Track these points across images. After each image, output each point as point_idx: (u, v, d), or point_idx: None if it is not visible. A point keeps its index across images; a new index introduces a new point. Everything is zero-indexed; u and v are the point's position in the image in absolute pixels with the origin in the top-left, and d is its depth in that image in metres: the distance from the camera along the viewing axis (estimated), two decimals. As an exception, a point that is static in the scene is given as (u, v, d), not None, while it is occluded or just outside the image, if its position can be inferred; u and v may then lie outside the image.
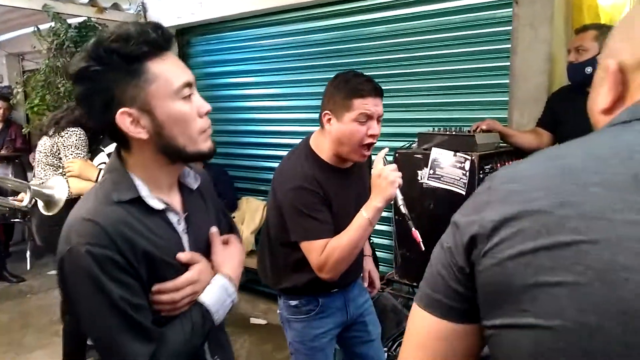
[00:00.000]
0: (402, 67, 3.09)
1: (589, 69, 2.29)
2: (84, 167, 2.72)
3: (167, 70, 0.98)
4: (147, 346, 0.97)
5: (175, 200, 1.12)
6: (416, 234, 1.62)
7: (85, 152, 2.81)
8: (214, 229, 1.18)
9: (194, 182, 1.18)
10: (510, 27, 2.64)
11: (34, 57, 4.91)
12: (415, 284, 2.56)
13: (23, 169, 5.35)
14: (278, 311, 1.99)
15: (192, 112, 1.02)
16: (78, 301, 0.97)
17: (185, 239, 1.10)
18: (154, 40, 0.96)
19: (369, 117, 1.66)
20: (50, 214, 2.62)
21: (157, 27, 0.98)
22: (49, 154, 2.84)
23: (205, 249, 1.15)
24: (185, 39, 4.30)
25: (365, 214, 1.60)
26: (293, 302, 1.87)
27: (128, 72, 0.95)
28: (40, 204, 2.68)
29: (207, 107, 1.06)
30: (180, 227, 1.10)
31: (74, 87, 0.99)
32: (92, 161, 2.80)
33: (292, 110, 3.67)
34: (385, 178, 1.59)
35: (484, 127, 2.40)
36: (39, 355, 3.49)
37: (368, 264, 2.14)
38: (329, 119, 1.70)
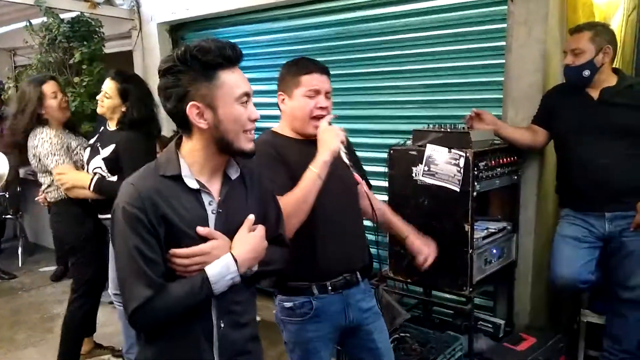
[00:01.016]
0: (396, 64, 3.09)
1: (586, 72, 2.30)
2: (76, 178, 2.68)
3: (233, 80, 1.26)
4: (145, 290, 1.19)
5: (214, 185, 1.34)
6: (357, 177, 1.86)
7: (63, 153, 2.72)
8: (250, 216, 1.36)
9: (234, 173, 1.39)
10: (505, 25, 2.65)
11: (26, 52, 4.87)
12: (409, 280, 2.56)
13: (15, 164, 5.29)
14: (274, 311, 1.96)
15: (245, 115, 1.29)
16: (114, 243, 1.27)
17: (212, 219, 1.31)
18: (228, 56, 1.25)
19: (317, 92, 1.80)
20: None
21: (232, 46, 1.26)
22: (36, 162, 2.80)
23: (234, 232, 1.34)
24: (179, 35, 4.28)
25: (314, 168, 1.69)
26: (288, 304, 1.85)
27: (204, 76, 1.23)
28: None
29: (256, 114, 1.32)
30: (211, 208, 1.32)
31: (160, 79, 1.27)
32: (85, 158, 2.77)
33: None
34: (330, 133, 1.75)
35: (475, 110, 2.46)
36: (30, 352, 3.46)
37: (414, 241, 2.07)
38: (283, 99, 1.86)
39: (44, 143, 2.70)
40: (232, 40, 3.45)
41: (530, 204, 2.69)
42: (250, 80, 3.22)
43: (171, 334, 1.30)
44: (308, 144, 1.81)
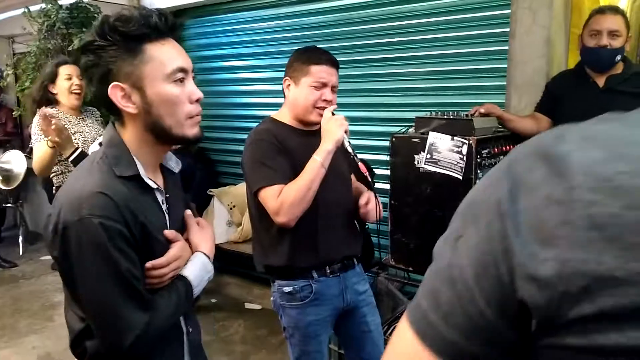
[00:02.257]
0: (398, 51, 3.06)
1: (618, 57, 2.24)
2: (65, 138, 2.51)
3: (163, 54, 1.07)
4: (144, 315, 1.04)
5: (159, 180, 1.20)
6: (362, 166, 1.81)
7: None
8: (188, 211, 1.27)
9: (175, 166, 1.26)
10: (508, 11, 2.61)
11: (24, 39, 4.82)
12: (410, 268, 2.55)
13: (14, 153, 5.28)
14: (271, 298, 1.96)
15: (182, 96, 1.09)
16: (81, 271, 1.02)
17: (167, 218, 1.19)
18: (155, 24, 1.05)
19: (324, 85, 1.81)
20: (8, 188, 2.58)
21: (161, 14, 1.07)
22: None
23: (179, 228, 1.23)
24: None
25: (317, 157, 1.70)
26: (287, 289, 1.86)
27: (126, 50, 1.04)
28: None
29: (198, 94, 1.12)
30: (164, 207, 1.18)
31: (81, 58, 1.08)
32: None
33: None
34: (334, 122, 1.74)
35: (482, 110, 2.38)
36: (32, 339, 3.47)
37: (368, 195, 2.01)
38: (288, 85, 1.86)
39: (34, 123, 2.68)
40: (233, 27, 3.43)
41: (533, 192, 2.66)
42: (252, 67, 3.25)
43: (153, 352, 1.13)
44: (308, 134, 1.85)
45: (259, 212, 1.82)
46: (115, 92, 1.05)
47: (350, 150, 1.80)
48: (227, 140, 4.07)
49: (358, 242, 2.03)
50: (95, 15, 4.03)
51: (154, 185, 1.13)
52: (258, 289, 3.91)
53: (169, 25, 1.08)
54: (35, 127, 2.64)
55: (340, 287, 1.91)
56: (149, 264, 1.09)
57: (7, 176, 2.53)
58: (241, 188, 3.98)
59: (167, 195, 1.20)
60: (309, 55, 1.84)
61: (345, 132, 1.76)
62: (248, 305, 3.85)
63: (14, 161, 2.53)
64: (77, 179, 1.08)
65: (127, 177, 1.07)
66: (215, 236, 1.32)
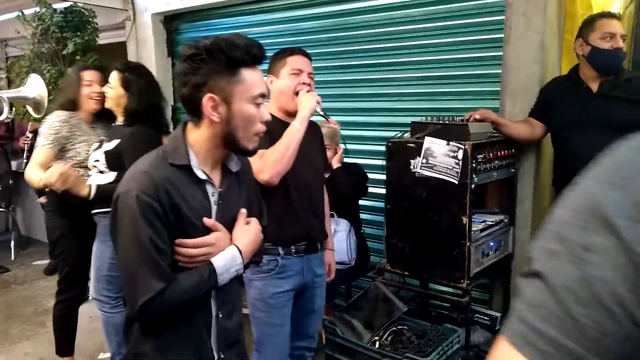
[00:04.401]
0: (393, 56, 3.08)
1: (623, 59, 2.30)
2: (73, 181, 2.29)
3: (253, 79, 1.28)
4: (158, 283, 1.18)
5: (216, 177, 1.36)
6: (332, 120, 2.15)
7: (51, 139, 2.58)
8: (243, 210, 1.41)
9: (235, 166, 1.41)
10: (503, 17, 2.63)
11: (17, 43, 4.81)
12: (406, 273, 2.56)
13: (7, 157, 5.23)
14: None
15: (257, 116, 1.30)
16: (119, 233, 1.22)
17: (214, 210, 1.34)
18: (254, 54, 1.27)
19: (300, 71, 2.04)
20: (42, 115, 2.56)
21: (260, 46, 1.29)
22: None
23: (230, 224, 1.37)
24: (173, 26, 4.24)
25: (296, 123, 1.95)
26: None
27: (227, 70, 1.25)
28: (29, 109, 2.62)
29: (268, 116, 1.34)
30: (213, 199, 1.34)
31: (181, 64, 1.28)
32: (83, 155, 2.64)
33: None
34: (307, 95, 1.99)
35: (477, 116, 2.40)
36: (24, 345, 3.44)
37: (329, 256, 2.34)
38: (271, 81, 2.07)
39: (46, 123, 2.65)
40: (227, 32, 3.48)
41: (527, 196, 2.68)
42: None
43: (173, 326, 1.30)
44: (289, 125, 2.01)
45: None
46: (208, 102, 1.24)
47: (322, 113, 2.09)
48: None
49: (322, 228, 2.21)
50: (90, 19, 4.03)
51: (202, 176, 1.29)
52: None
53: (263, 56, 1.30)
54: (49, 128, 2.61)
55: (302, 265, 2.11)
56: (177, 241, 1.25)
57: (35, 103, 2.51)
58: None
59: (221, 190, 1.35)
60: (284, 51, 2.10)
61: (317, 101, 2.01)
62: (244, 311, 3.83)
63: (31, 86, 2.49)
64: (138, 162, 1.29)
65: (179, 165, 1.26)
66: (260, 237, 1.43)
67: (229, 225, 1.36)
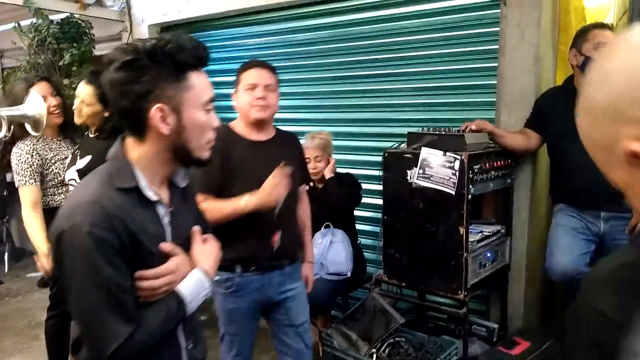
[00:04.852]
0: (389, 67, 3.09)
1: None
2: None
3: (201, 84, 1.15)
4: (127, 326, 1.04)
5: (164, 195, 1.21)
6: (276, 236, 2.01)
7: (29, 173, 2.47)
8: (195, 228, 1.28)
9: (182, 181, 1.28)
10: (497, 28, 2.65)
11: (14, 54, 4.81)
12: (403, 284, 2.55)
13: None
14: None
15: (208, 123, 1.18)
16: (70, 276, 1.05)
17: (168, 232, 1.19)
18: (201, 56, 1.14)
19: (254, 86, 2.01)
20: (39, 132, 2.46)
21: (205, 47, 1.16)
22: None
23: (185, 244, 1.23)
24: (170, 37, 4.24)
25: (243, 202, 1.89)
26: (217, 277, 2.03)
27: (174, 75, 1.11)
28: (28, 128, 2.48)
29: (217, 122, 1.21)
30: (165, 220, 1.19)
31: (115, 72, 1.08)
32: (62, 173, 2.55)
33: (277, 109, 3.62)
34: (275, 189, 1.89)
35: (473, 127, 2.40)
36: (17, 359, 3.39)
37: (306, 269, 2.28)
38: (234, 97, 2.09)
39: (14, 158, 2.51)
40: (224, 43, 3.51)
41: (524, 207, 2.69)
42: None
43: None
44: (255, 145, 2.04)
45: None
46: (157, 113, 1.09)
47: (274, 216, 1.95)
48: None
49: (291, 246, 2.13)
50: (86, 30, 4.04)
51: (153, 198, 1.15)
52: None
53: (209, 58, 1.17)
54: (20, 163, 2.48)
55: (261, 282, 2.07)
56: (137, 274, 1.09)
57: (34, 121, 2.40)
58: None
59: (171, 209, 1.21)
60: (241, 67, 2.09)
61: (276, 204, 1.92)
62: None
63: (30, 104, 2.37)
64: (78, 190, 1.14)
65: (126, 189, 1.10)
66: (219, 255, 1.32)
67: (184, 246, 1.22)
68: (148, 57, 1.08)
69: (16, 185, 2.52)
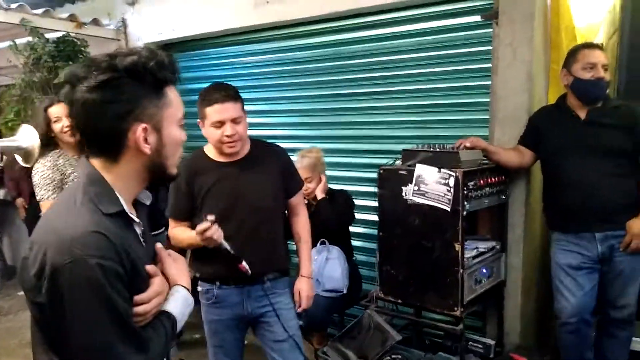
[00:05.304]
0: (384, 85, 3.12)
1: (607, 90, 2.37)
2: None
3: (177, 99, 1.13)
4: (140, 356, 1.01)
5: (134, 214, 1.16)
6: (243, 265, 1.96)
7: (51, 187, 2.58)
8: (159, 244, 1.25)
9: (146, 199, 1.24)
10: (490, 47, 2.70)
11: (9, 71, 4.81)
12: (399, 300, 2.54)
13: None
14: None
15: (182, 139, 1.15)
16: (75, 314, 0.96)
17: (144, 252, 1.17)
18: (177, 71, 1.10)
19: (222, 123, 1.98)
20: (30, 165, 2.51)
21: (175, 60, 1.11)
22: None
23: (153, 261, 1.21)
24: (166, 56, 4.27)
25: (195, 235, 1.90)
26: (200, 288, 2.16)
27: (155, 93, 1.07)
28: (18, 159, 2.55)
29: (185, 137, 1.17)
30: (142, 240, 1.16)
31: (90, 93, 1.01)
32: None
33: (273, 126, 3.65)
34: (206, 240, 1.89)
35: (467, 144, 2.43)
36: (8, 379, 3.34)
37: (300, 283, 2.24)
38: (201, 126, 2.06)
39: (36, 174, 2.62)
40: (220, 62, 3.54)
41: (518, 223, 2.70)
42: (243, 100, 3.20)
43: None
44: (225, 166, 2.07)
45: None
46: (140, 133, 1.04)
47: (229, 249, 1.94)
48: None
49: (269, 264, 2.12)
50: (82, 48, 4.05)
51: (136, 220, 1.12)
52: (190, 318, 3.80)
53: (179, 71, 1.13)
54: (42, 179, 2.59)
55: (241, 297, 2.11)
56: (135, 299, 1.05)
57: (25, 153, 2.46)
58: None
59: (143, 229, 1.18)
60: (204, 98, 2.02)
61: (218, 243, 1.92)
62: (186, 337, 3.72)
63: (23, 136, 2.43)
64: (60, 218, 1.02)
65: (112, 214, 1.04)
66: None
67: (154, 264, 1.20)
68: (128, 75, 1.02)
69: (38, 199, 2.63)
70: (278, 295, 2.15)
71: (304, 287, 2.24)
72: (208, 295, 2.13)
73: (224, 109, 1.97)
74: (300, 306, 2.23)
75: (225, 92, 2.00)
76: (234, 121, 1.99)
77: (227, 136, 1.98)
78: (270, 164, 2.13)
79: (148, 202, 1.24)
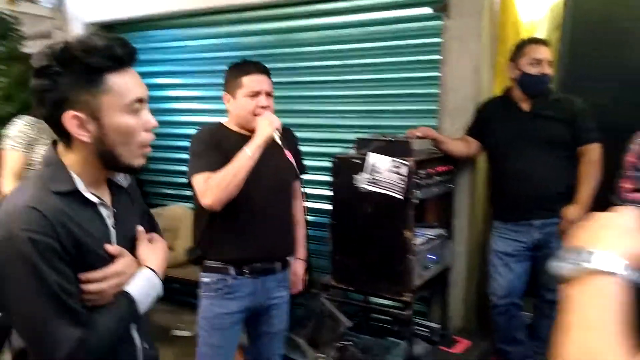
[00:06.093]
0: (337, 74, 3.12)
1: (550, 84, 2.48)
2: None
3: (123, 85, 1.07)
4: (76, 330, 1.01)
5: (106, 196, 1.18)
6: (288, 154, 1.94)
7: (21, 144, 2.55)
8: (140, 227, 1.26)
9: (124, 181, 1.25)
10: (440, 40, 2.75)
11: None
12: (351, 288, 2.57)
13: None
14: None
15: (138, 125, 1.11)
16: (10, 286, 1.01)
17: (113, 233, 1.17)
18: (118, 56, 1.06)
19: (257, 93, 1.95)
20: None
21: (123, 43, 1.07)
22: None
23: (130, 245, 1.22)
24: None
25: (247, 150, 1.82)
26: (206, 279, 2.01)
27: (87, 80, 1.04)
28: None
29: (153, 123, 1.14)
30: (110, 222, 1.17)
31: (34, 80, 1.04)
32: None
33: (221, 113, 3.55)
34: (265, 120, 1.87)
35: (418, 134, 2.48)
36: None
37: (297, 266, 2.26)
38: (228, 99, 2.01)
39: (14, 127, 2.61)
40: (167, 44, 3.40)
41: (464, 211, 2.80)
42: (187, 85, 3.25)
43: None
44: (247, 139, 1.92)
45: (196, 204, 1.95)
46: (71, 121, 1.04)
47: (279, 142, 1.90)
48: (157, 159, 3.92)
49: (286, 245, 2.14)
50: (14, 26, 3.80)
51: (95, 200, 1.12)
52: (188, 315, 3.76)
53: (131, 56, 1.09)
54: (17, 132, 2.58)
55: (255, 287, 2.02)
56: (84, 277, 1.07)
57: None
58: (171, 210, 3.85)
59: (115, 210, 1.19)
60: (239, 68, 1.99)
61: (277, 128, 1.89)
62: (178, 333, 3.68)
63: None
64: (11, 197, 1.07)
65: (64, 192, 1.06)
66: (167, 252, 1.30)
67: (131, 248, 1.21)
68: (58, 63, 1.02)
69: (3, 147, 2.59)
70: (285, 289, 2.16)
71: (301, 271, 2.27)
72: (219, 286, 1.98)
73: (262, 80, 1.98)
74: (293, 290, 2.25)
75: (260, 65, 2.02)
76: (268, 94, 1.99)
77: (262, 107, 1.95)
78: (289, 143, 2.05)
79: (125, 184, 1.25)
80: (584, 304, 0.57)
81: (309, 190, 2.96)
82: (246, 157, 1.81)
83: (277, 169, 2.00)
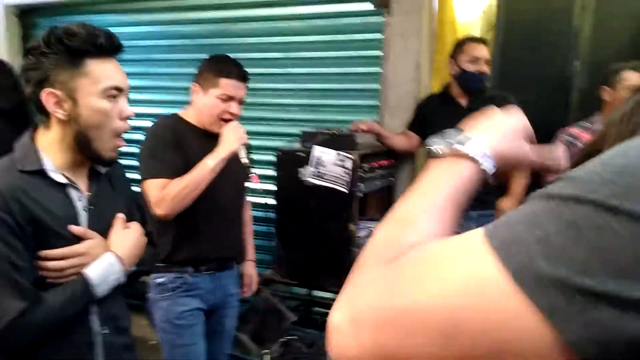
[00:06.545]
0: (279, 67, 3.09)
1: (487, 82, 2.56)
2: None
3: (102, 71, 1.17)
4: (19, 302, 1.06)
5: (81, 181, 1.25)
6: (255, 178, 2.04)
7: None
8: (120, 215, 1.30)
9: (102, 168, 1.30)
10: (382, 36, 2.79)
11: None
12: (296, 282, 2.56)
13: None
14: (148, 295, 2.01)
15: (113, 111, 1.19)
16: None
17: (83, 216, 1.23)
18: (100, 44, 1.15)
19: (230, 98, 1.89)
20: None
21: (109, 36, 1.18)
22: None
23: (107, 231, 1.27)
24: (30, 20, 3.79)
25: (209, 162, 1.76)
26: (159, 280, 1.94)
27: (68, 61, 1.14)
28: None
29: (129, 112, 1.23)
30: (81, 204, 1.23)
31: (23, 59, 1.17)
32: None
33: (154, 104, 3.41)
34: (233, 132, 1.83)
35: (363, 127, 2.50)
36: None
37: (249, 268, 2.28)
38: (197, 92, 1.91)
39: None
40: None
41: (404, 204, 2.85)
42: None
43: (45, 349, 1.16)
44: (209, 136, 1.90)
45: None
46: (47, 97, 1.14)
47: (245, 160, 1.91)
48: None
49: (238, 244, 2.16)
50: None
51: (62, 180, 1.18)
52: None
53: (114, 46, 1.19)
54: None
55: (213, 284, 2.01)
56: (42, 253, 1.13)
57: None
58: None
59: (90, 194, 1.25)
60: (221, 67, 1.90)
61: (244, 143, 1.87)
62: (154, 342, 3.48)
63: None
64: None
65: (30, 172, 1.14)
66: (142, 241, 1.34)
67: (107, 234, 1.27)
68: (44, 44, 1.13)
69: None
70: (237, 286, 2.17)
71: (253, 272, 2.29)
72: (175, 284, 1.93)
73: (239, 87, 1.92)
74: (247, 291, 2.26)
75: (242, 70, 1.95)
76: (241, 102, 1.94)
77: (231, 113, 1.89)
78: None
79: (103, 171, 1.31)
80: (432, 176, 0.59)
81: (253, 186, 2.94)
82: (208, 170, 1.76)
83: (234, 173, 1.96)
